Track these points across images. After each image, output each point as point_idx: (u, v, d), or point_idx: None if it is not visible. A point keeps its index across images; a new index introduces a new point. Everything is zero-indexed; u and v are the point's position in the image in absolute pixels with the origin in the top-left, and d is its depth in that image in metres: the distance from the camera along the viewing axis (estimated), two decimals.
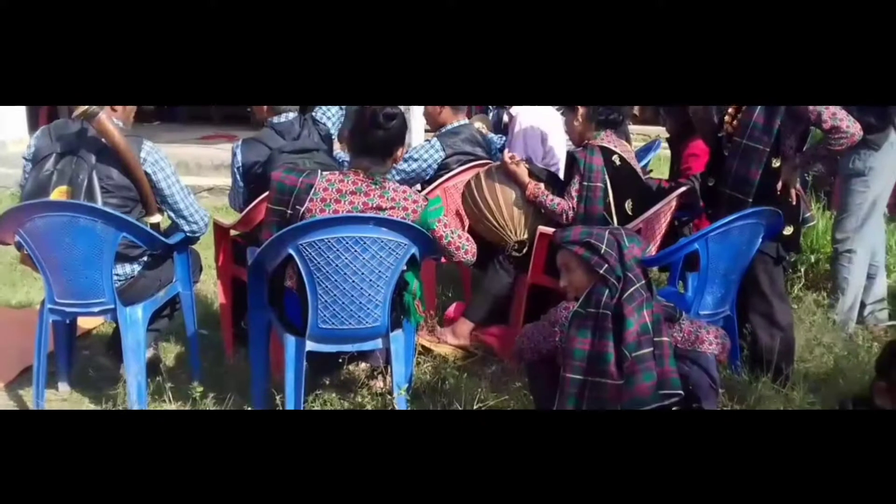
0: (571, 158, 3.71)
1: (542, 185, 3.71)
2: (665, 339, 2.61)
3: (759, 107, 3.33)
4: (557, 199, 3.65)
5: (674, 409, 2.59)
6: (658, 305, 2.67)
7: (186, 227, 3.51)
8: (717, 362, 2.80)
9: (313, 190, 2.94)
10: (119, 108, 3.39)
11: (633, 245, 2.70)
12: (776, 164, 3.37)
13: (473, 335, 3.92)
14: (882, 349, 2.25)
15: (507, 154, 3.83)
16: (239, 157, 3.74)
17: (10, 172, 8.23)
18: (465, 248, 3.04)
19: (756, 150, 3.35)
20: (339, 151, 3.96)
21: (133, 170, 3.28)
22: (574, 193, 3.62)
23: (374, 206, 2.94)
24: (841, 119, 3.21)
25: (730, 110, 3.49)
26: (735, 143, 3.42)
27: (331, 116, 3.97)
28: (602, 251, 2.66)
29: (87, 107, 3.14)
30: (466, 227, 3.87)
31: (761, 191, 3.37)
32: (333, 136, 3.91)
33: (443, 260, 3.47)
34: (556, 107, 4.38)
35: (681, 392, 2.58)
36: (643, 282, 2.64)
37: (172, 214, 3.48)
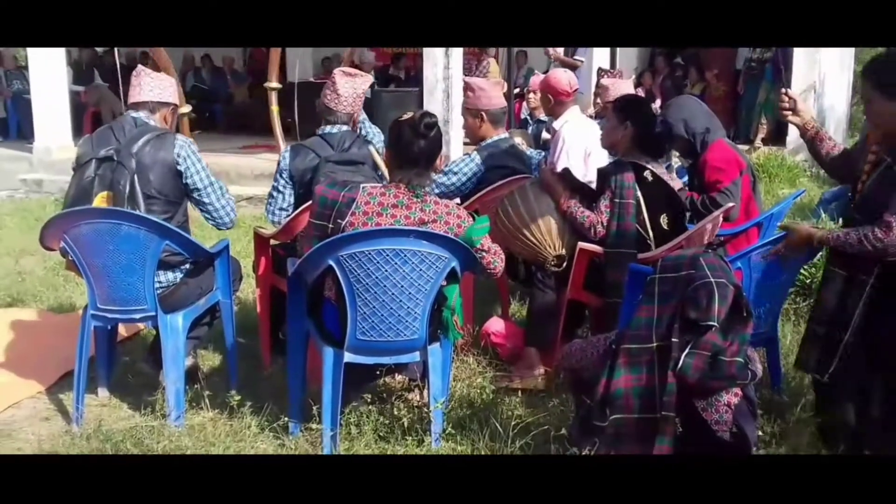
0: (603, 175, 3.68)
1: (575, 199, 3.69)
2: None
3: None
4: (587, 213, 3.63)
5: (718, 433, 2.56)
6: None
7: (216, 218, 3.58)
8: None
9: (355, 204, 2.94)
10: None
11: None
12: None
13: (544, 359, 3.80)
14: None
15: (546, 164, 3.81)
16: (286, 161, 3.78)
17: (56, 179, 8.39)
18: (496, 264, 3.08)
19: None
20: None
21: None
22: (604, 209, 3.60)
23: (416, 219, 2.94)
24: None
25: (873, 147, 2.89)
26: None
27: (376, 135, 4.02)
28: None
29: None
30: None
31: None
32: (380, 153, 3.95)
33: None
34: (598, 121, 4.35)
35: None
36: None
37: (200, 207, 3.54)
